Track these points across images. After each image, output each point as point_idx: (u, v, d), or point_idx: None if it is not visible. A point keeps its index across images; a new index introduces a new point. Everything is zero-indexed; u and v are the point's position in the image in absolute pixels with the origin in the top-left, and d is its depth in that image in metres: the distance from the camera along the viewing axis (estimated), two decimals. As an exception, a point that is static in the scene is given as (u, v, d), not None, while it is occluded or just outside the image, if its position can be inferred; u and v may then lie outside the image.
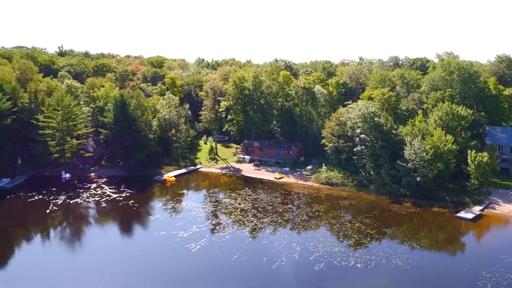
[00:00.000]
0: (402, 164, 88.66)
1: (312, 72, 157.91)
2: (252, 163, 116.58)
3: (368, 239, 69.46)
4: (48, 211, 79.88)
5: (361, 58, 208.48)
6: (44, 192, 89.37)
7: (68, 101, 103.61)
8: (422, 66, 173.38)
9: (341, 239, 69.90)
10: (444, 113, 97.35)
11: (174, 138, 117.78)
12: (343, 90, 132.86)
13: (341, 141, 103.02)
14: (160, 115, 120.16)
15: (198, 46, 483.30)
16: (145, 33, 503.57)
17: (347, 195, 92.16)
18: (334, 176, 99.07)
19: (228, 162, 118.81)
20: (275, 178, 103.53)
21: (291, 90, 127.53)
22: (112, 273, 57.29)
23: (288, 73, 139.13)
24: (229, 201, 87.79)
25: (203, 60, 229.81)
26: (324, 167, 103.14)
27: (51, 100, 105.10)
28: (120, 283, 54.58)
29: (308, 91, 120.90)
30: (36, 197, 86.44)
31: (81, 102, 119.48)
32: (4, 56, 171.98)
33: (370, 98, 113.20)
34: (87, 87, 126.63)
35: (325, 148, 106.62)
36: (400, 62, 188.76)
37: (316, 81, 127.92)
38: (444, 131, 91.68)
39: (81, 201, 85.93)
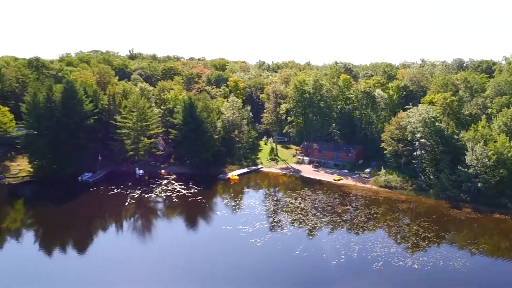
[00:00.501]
0: (463, 169, 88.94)
1: (372, 75, 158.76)
2: (311, 165, 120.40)
3: (426, 242, 71.36)
4: (126, 203, 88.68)
5: (423, 60, 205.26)
6: (122, 186, 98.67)
7: (142, 103, 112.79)
8: (488, 69, 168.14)
9: (398, 241, 72.29)
10: (509, 119, 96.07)
11: (237, 139, 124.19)
12: (404, 93, 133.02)
13: (400, 145, 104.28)
14: (224, 117, 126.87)
15: (258, 48, 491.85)
16: (207, 36, 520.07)
17: (406, 199, 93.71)
18: (393, 179, 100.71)
19: (287, 163, 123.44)
20: (334, 179, 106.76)
21: (351, 93, 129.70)
22: (184, 262, 63.86)
23: (348, 76, 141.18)
24: (290, 200, 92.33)
25: (264, 63, 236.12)
26: (383, 170, 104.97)
27: (127, 102, 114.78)
28: (193, 272, 60.90)
29: (368, 95, 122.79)
30: (115, 191, 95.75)
31: (153, 104, 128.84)
32: (83, 60, 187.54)
33: (431, 103, 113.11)
34: (158, 90, 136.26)
35: (384, 152, 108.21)
36: (464, 65, 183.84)
37: (377, 84, 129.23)
38: (508, 137, 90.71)
39: (155, 195, 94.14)
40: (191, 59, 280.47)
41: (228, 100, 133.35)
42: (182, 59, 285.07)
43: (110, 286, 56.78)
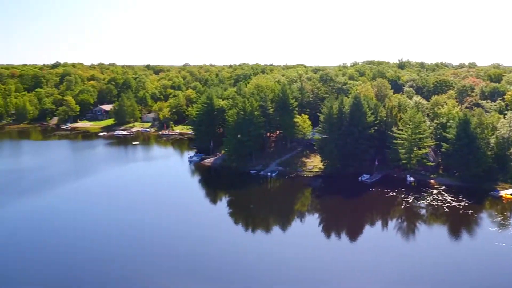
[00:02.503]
0: None
1: None
2: None
3: None
4: (402, 206, 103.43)
5: None
6: (396, 190, 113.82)
7: (418, 118, 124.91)
8: None
9: None
10: None
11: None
12: None
13: None
14: (499, 133, 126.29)
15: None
16: (478, 39, 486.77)
17: None
18: None
19: None
20: None
21: None
22: (451, 269, 74.11)
23: None
24: None
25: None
26: None
27: (404, 116, 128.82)
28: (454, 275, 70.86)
29: None
30: (391, 194, 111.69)
31: (425, 117, 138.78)
32: (360, 72, 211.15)
33: None
34: (431, 104, 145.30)
35: None
36: None
37: None
38: None
39: (427, 203, 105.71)
40: (461, 65, 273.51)
41: (504, 117, 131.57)
42: (450, 65, 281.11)
43: (374, 268, 72.61)
